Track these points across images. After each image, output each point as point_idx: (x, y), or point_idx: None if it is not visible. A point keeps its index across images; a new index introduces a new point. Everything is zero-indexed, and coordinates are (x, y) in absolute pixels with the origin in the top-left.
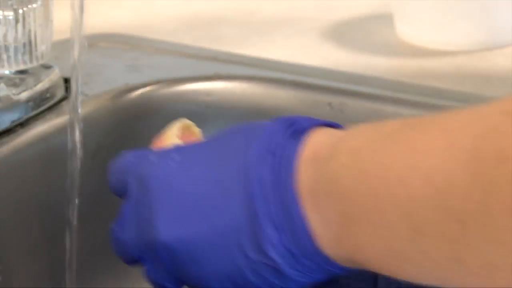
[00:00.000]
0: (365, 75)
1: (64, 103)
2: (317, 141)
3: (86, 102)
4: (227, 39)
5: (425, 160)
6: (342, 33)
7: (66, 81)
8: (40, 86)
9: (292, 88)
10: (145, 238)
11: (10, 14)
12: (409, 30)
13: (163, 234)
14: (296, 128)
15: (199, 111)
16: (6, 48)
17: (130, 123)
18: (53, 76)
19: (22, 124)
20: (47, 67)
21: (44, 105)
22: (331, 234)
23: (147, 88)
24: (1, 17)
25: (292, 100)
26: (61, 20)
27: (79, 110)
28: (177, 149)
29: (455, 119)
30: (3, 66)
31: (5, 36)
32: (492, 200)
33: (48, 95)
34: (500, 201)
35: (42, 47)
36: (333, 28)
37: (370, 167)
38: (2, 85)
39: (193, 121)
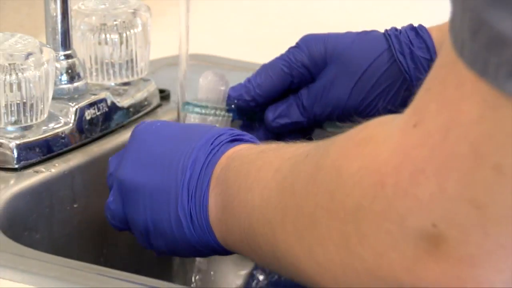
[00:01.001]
0: None
1: (159, 109)
2: (239, 149)
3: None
4: None
5: (264, 176)
6: None
7: (161, 91)
8: (139, 96)
9: None
10: (115, 172)
11: (115, 37)
12: None
13: (123, 173)
14: (238, 137)
15: None
16: (112, 65)
17: None
18: (150, 88)
19: (124, 126)
20: (145, 80)
21: (142, 111)
22: (217, 215)
23: None
24: (108, 39)
25: None
26: (157, 42)
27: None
28: (160, 123)
29: (291, 149)
30: (109, 79)
31: (111, 55)
32: (288, 218)
33: (146, 103)
34: (291, 223)
35: (141, 64)
36: None
37: (242, 173)
38: (109, 94)
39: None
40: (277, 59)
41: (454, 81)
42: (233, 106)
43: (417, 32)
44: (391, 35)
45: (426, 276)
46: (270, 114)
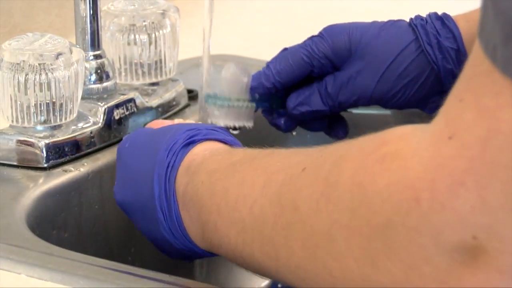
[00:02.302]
0: None
1: (187, 109)
2: (194, 154)
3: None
4: None
5: (250, 193)
6: None
7: (189, 91)
8: (168, 96)
9: None
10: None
11: (145, 37)
12: None
13: (116, 194)
14: (192, 139)
15: None
16: (141, 65)
17: None
18: (178, 88)
19: None
20: (173, 80)
21: (171, 110)
22: (196, 230)
23: None
24: (137, 40)
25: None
26: (185, 43)
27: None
28: (134, 133)
29: (273, 161)
30: (138, 79)
31: (140, 55)
32: (293, 235)
33: (174, 103)
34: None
35: (170, 64)
36: None
37: (217, 190)
38: (138, 94)
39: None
40: (298, 46)
41: (490, 90)
42: (256, 96)
43: (443, 22)
44: (417, 25)
45: (460, 287)
46: (291, 102)
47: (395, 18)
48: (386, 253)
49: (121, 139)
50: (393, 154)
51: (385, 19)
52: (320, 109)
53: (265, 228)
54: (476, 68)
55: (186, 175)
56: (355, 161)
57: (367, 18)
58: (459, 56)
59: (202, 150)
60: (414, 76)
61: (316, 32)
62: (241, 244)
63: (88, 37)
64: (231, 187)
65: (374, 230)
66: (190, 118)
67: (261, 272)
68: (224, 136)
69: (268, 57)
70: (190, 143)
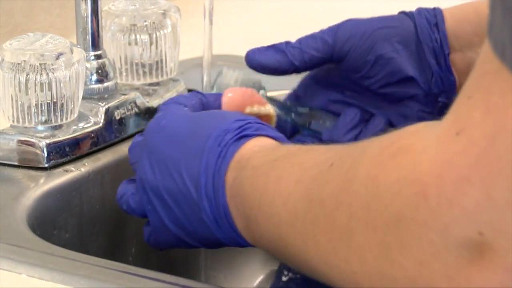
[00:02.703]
0: None
1: None
2: (246, 149)
3: None
4: None
5: (285, 188)
6: None
7: (190, 91)
8: (168, 96)
9: None
10: (136, 165)
11: (145, 37)
12: None
13: (143, 173)
14: (244, 133)
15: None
16: (142, 65)
17: None
18: (179, 88)
19: None
20: (174, 80)
21: None
22: (242, 222)
23: None
24: (138, 40)
25: None
26: (186, 43)
27: None
28: (170, 116)
29: (309, 157)
30: (139, 79)
31: (141, 55)
32: (319, 229)
33: None
34: (320, 228)
35: (171, 64)
36: None
37: (259, 185)
38: (138, 94)
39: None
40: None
41: (499, 88)
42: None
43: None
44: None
45: (468, 285)
46: (250, 53)
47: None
48: (399, 247)
49: (122, 140)
50: (405, 149)
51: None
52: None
53: (297, 222)
54: (485, 66)
55: (234, 169)
56: (372, 156)
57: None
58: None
59: (252, 145)
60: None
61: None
62: (277, 239)
63: (89, 37)
64: (270, 182)
65: (387, 224)
66: None
67: (297, 266)
68: (273, 132)
69: None
70: (243, 136)
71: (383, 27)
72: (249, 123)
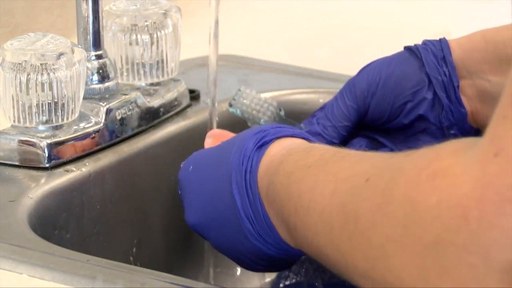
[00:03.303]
0: None
1: (188, 109)
2: (272, 156)
3: (207, 109)
4: (319, 59)
5: (320, 199)
6: None
7: (191, 92)
8: (169, 96)
9: None
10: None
11: (146, 37)
12: None
13: (188, 219)
14: (263, 141)
15: (296, 117)
16: (143, 65)
17: (241, 126)
18: (180, 88)
19: (155, 126)
20: (175, 80)
21: (172, 111)
22: (283, 229)
23: None
24: (139, 40)
25: None
26: (187, 43)
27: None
28: (193, 156)
29: (344, 166)
30: (140, 79)
31: (142, 55)
32: (356, 246)
33: (176, 103)
34: (359, 235)
35: (171, 64)
36: None
37: (293, 192)
38: (139, 94)
39: (292, 125)
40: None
41: None
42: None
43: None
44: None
45: None
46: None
47: (396, 19)
48: (437, 271)
49: (123, 140)
50: (444, 171)
51: (385, 19)
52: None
53: (334, 236)
54: None
55: (265, 176)
56: (409, 176)
57: (368, 18)
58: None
59: (279, 150)
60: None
61: (316, 32)
62: (317, 247)
63: (90, 37)
64: (304, 190)
65: (426, 248)
66: (191, 119)
67: (340, 274)
68: (292, 131)
69: (270, 57)
70: (262, 145)
71: (393, 74)
72: (265, 130)
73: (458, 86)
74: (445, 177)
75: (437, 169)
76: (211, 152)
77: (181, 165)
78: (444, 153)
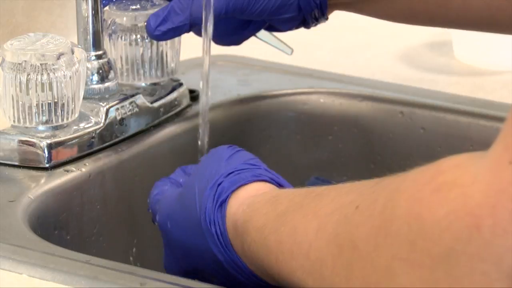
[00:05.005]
0: (429, 89)
1: (188, 109)
2: (233, 215)
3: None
4: (319, 60)
5: (305, 239)
6: (411, 55)
7: (191, 92)
8: (169, 96)
9: (371, 100)
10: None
11: (146, 37)
12: (465, 54)
13: (169, 269)
14: (220, 200)
15: (296, 117)
16: (143, 65)
17: (242, 127)
18: (180, 88)
19: (155, 126)
20: (175, 80)
21: (172, 111)
22: (269, 278)
23: (255, 99)
24: (139, 40)
25: (370, 109)
26: (187, 43)
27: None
28: (163, 204)
29: (323, 203)
30: (140, 80)
31: (142, 55)
32: (354, 273)
33: (176, 103)
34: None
35: (171, 65)
36: (403, 51)
37: (271, 245)
38: (140, 95)
39: (290, 125)
40: None
41: None
42: None
43: None
44: None
45: None
46: (152, 22)
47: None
48: (449, 282)
49: (123, 140)
50: (450, 183)
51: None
52: (181, 24)
53: (325, 271)
54: None
55: (237, 237)
56: (410, 193)
57: (368, 18)
58: None
59: (239, 206)
60: None
61: (316, 32)
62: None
63: (90, 37)
64: (284, 238)
65: (435, 261)
66: (191, 119)
67: None
68: (248, 176)
69: (269, 57)
70: (221, 204)
71: None
72: (219, 184)
73: None
74: (453, 189)
75: (441, 182)
76: (174, 206)
77: (150, 202)
78: (446, 167)
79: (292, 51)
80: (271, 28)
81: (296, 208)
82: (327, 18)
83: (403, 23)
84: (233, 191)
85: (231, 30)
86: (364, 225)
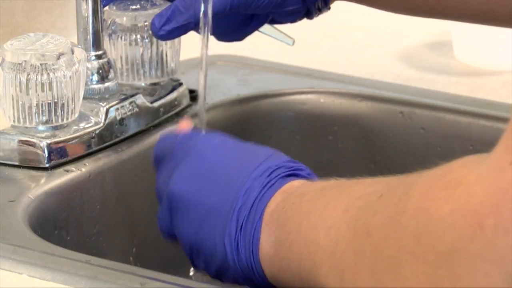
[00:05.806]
0: (429, 89)
1: (188, 109)
2: (295, 182)
3: (207, 109)
4: (319, 60)
5: (331, 215)
6: (411, 55)
7: (191, 92)
8: (169, 96)
9: (371, 100)
10: (165, 184)
11: (146, 37)
12: (465, 54)
13: (176, 185)
14: (296, 172)
15: (296, 117)
16: (143, 65)
17: (241, 126)
18: (180, 88)
19: (155, 126)
20: (175, 80)
21: (172, 111)
22: (268, 249)
23: (255, 99)
24: (139, 40)
25: (370, 109)
26: (187, 43)
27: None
28: (217, 137)
29: (358, 187)
30: (140, 80)
31: (142, 55)
32: (363, 260)
33: (176, 103)
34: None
35: (171, 65)
36: (403, 51)
37: (303, 210)
38: (140, 95)
39: (290, 125)
40: None
41: None
42: None
43: None
44: None
45: None
46: (156, 22)
47: (396, 19)
48: (451, 280)
49: (123, 140)
50: (456, 181)
51: (386, 19)
52: (185, 23)
53: (337, 251)
54: None
55: (280, 196)
56: (422, 188)
57: (368, 18)
58: None
59: (302, 183)
60: None
61: (316, 32)
62: (309, 265)
63: (90, 37)
64: (315, 208)
65: (439, 257)
66: (192, 119)
67: None
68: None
69: (269, 57)
70: (294, 175)
71: None
72: (302, 168)
73: None
74: (458, 187)
75: (450, 179)
76: (239, 147)
77: (198, 137)
78: (455, 166)
79: (294, 41)
80: (272, 22)
81: (335, 187)
82: (329, 8)
83: (403, 14)
84: (311, 179)
85: (234, 26)
86: (381, 214)
